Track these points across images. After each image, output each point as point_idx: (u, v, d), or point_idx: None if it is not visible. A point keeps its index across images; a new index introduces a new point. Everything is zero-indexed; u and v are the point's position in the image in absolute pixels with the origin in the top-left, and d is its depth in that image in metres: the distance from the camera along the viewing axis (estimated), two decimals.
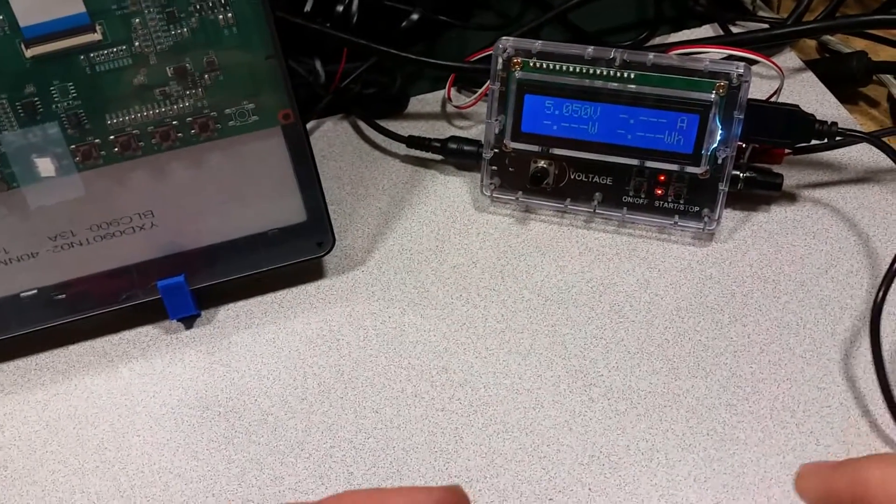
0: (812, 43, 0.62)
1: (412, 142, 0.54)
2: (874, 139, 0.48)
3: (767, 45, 0.56)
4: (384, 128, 0.55)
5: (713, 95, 0.45)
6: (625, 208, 0.49)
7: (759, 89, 0.53)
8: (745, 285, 0.46)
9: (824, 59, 0.60)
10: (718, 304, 0.46)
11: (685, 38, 0.59)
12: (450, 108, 0.57)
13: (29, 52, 0.39)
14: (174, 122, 0.42)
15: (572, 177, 0.49)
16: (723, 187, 0.46)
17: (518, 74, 0.47)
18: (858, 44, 0.59)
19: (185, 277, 0.46)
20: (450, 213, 0.52)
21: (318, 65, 0.57)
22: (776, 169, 0.49)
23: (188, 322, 0.47)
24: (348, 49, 0.55)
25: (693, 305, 0.46)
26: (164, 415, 0.43)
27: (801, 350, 0.43)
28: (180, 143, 0.43)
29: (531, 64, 0.47)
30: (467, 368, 0.44)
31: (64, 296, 0.45)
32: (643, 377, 0.43)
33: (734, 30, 0.59)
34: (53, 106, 0.41)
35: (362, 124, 0.57)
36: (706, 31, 0.61)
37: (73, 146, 0.42)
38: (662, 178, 0.47)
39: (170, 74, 0.42)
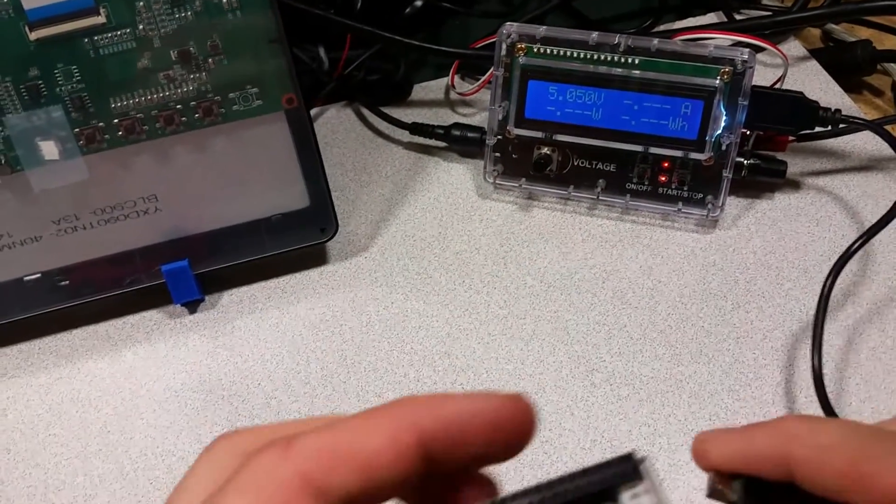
0: (816, 32, 0.61)
1: (416, 129, 0.53)
2: (877, 127, 0.48)
3: (772, 31, 0.56)
4: (388, 115, 0.55)
5: (718, 81, 0.45)
6: (628, 195, 0.49)
7: (763, 77, 0.52)
8: (749, 272, 0.46)
9: (828, 48, 0.60)
10: (721, 291, 0.46)
11: (690, 25, 0.59)
12: (453, 96, 0.57)
13: (33, 35, 0.39)
14: (178, 106, 0.42)
15: (576, 163, 0.49)
16: (727, 174, 0.46)
17: (522, 60, 0.47)
18: (863, 33, 0.59)
19: (188, 262, 0.46)
20: (453, 199, 0.52)
21: (321, 52, 0.57)
22: (780, 156, 0.49)
23: (192, 307, 0.47)
24: (352, 36, 0.55)
25: (696, 292, 0.46)
26: (168, 398, 0.43)
27: (804, 336, 0.43)
28: (184, 128, 0.43)
29: (535, 50, 0.47)
30: (470, 354, 0.44)
31: (67, 280, 0.45)
32: (646, 363, 0.43)
33: (739, 18, 0.59)
34: (57, 89, 0.41)
35: (366, 111, 0.57)
36: (711, 18, 0.61)
37: (76, 129, 0.42)
38: (666, 164, 0.47)
39: (174, 58, 0.42)
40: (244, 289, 0.48)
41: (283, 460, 0.19)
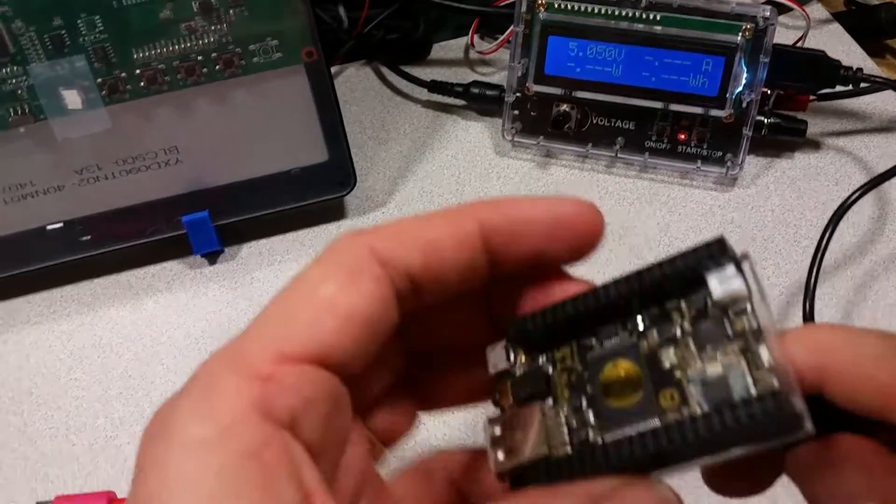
0: None
1: (434, 86, 0.54)
2: None
3: None
4: (407, 73, 0.55)
5: (739, 38, 0.44)
6: (647, 153, 0.48)
7: (784, 38, 0.52)
8: (766, 230, 0.46)
9: (851, 11, 0.59)
10: (739, 248, 0.45)
11: None
12: (473, 55, 0.57)
13: None
14: (199, 58, 0.43)
15: (594, 121, 0.49)
16: (747, 132, 0.46)
17: (542, 16, 0.47)
18: None
19: (208, 213, 0.46)
20: (471, 157, 0.52)
21: (341, 11, 0.57)
22: (800, 116, 0.49)
23: (212, 258, 0.47)
24: None
25: None
26: (188, 345, 0.44)
27: (820, 293, 0.43)
28: (205, 79, 0.43)
29: (556, 5, 0.47)
30: None
31: (89, 229, 0.46)
32: None
33: None
34: (80, 39, 0.41)
35: (385, 70, 0.57)
36: None
37: (99, 80, 0.42)
38: (686, 122, 0.47)
39: (195, 9, 0.42)
40: (263, 241, 0.48)
41: (355, 238, 0.21)
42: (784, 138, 0.49)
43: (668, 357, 0.21)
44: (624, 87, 0.47)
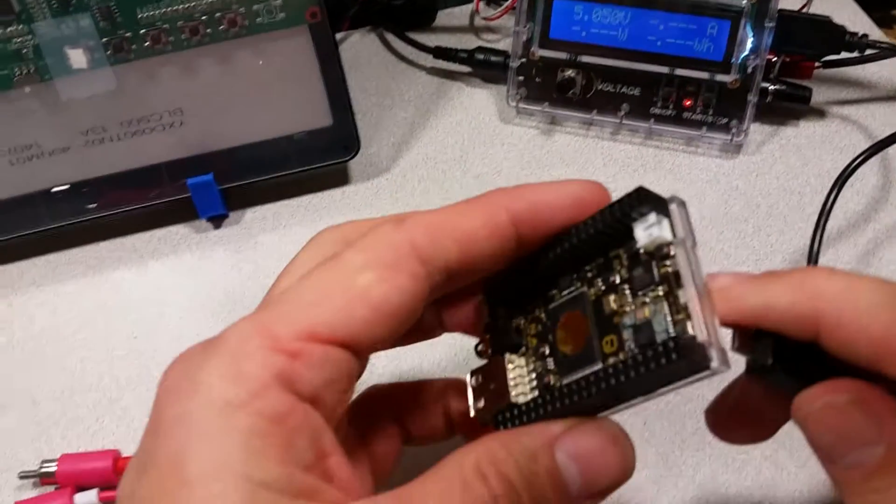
0: None
1: (439, 53, 0.53)
2: None
3: None
4: (412, 39, 0.55)
5: (745, 2, 0.44)
6: (652, 119, 0.48)
7: (790, 3, 0.52)
8: (771, 197, 0.46)
9: None
10: (743, 215, 0.46)
11: None
12: (478, 22, 0.57)
13: None
14: (203, 17, 0.43)
15: (599, 87, 0.49)
16: (752, 98, 0.46)
17: None
18: None
19: (213, 177, 0.46)
20: (475, 124, 0.52)
21: None
22: (805, 84, 0.49)
23: (217, 222, 0.47)
24: None
25: (717, 215, 0.46)
26: (193, 307, 0.44)
27: (823, 260, 0.43)
28: (209, 39, 0.43)
29: None
30: None
31: (95, 192, 0.46)
32: None
33: None
34: None
35: (390, 36, 0.57)
36: None
37: (104, 39, 0.42)
38: (691, 87, 0.47)
39: None
40: (267, 206, 0.48)
41: (396, 230, 0.22)
42: (789, 105, 0.49)
43: (609, 304, 0.22)
44: (629, 51, 0.47)
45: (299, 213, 0.48)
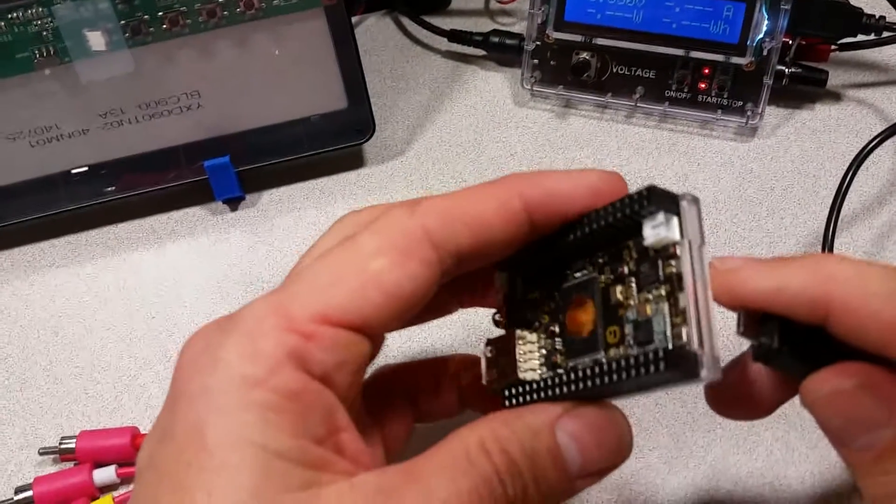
0: None
1: (454, 36, 0.54)
2: None
3: None
4: (427, 22, 0.55)
5: None
6: (667, 102, 0.48)
7: None
8: (786, 180, 0.46)
9: None
10: (757, 198, 0.46)
11: None
12: (493, 5, 0.57)
13: None
14: (220, 0, 0.43)
15: (614, 70, 0.49)
16: (767, 80, 0.46)
17: None
18: None
19: (229, 159, 0.46)
20: (489, 107, 0.52)
21: None
22: (821, 66, 0.48)
23: (233, 204, 0.48)
24: None
25: (731, 198, 0.46)
26: (210, 288, 0.44)
27: (838, 243, 0.43)
28: (226, 22, 0.44)
29: None
30: None
31: (114, 173, 0.46)
32: None
33: None
34: None
35: (405, 20, 0.57)
36: None
37: (123, 21, 0.42)
38: (707, 70, 0.47)
39: None
40: (283, 189, 0.49)
41: (409, 215, 0.23)
42: (804, 88, 0.48)
43: (616, 294, 0.23)
44: (644, 34, 0.47)
45: (314, 195, 0.48)
